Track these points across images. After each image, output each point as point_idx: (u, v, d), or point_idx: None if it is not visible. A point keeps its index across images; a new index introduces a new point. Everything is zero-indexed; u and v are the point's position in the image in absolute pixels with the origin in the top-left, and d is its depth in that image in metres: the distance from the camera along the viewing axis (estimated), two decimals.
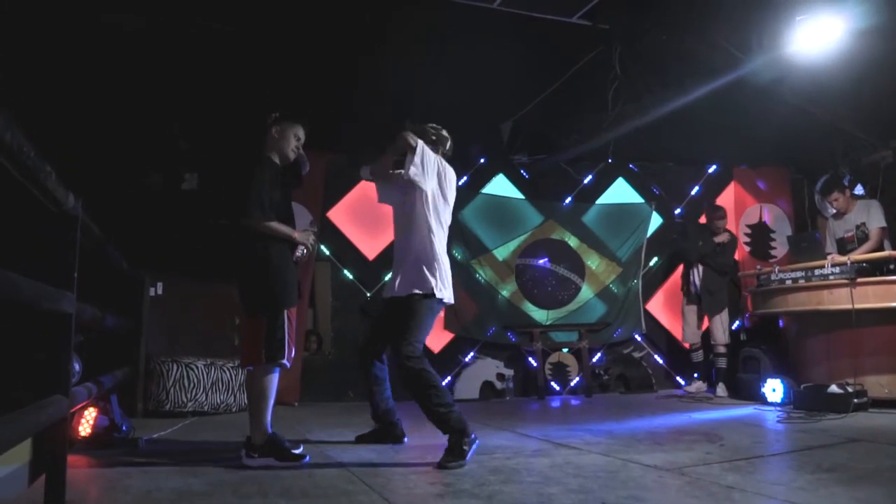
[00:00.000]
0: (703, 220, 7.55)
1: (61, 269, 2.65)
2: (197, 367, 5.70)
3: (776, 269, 6.21)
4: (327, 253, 7.14)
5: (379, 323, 4.34)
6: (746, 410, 5.63)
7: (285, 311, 3.68)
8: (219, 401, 5.80)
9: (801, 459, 3.53)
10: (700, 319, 7.22)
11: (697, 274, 7.17)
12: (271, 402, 3.67)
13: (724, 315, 7.04)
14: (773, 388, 5.82)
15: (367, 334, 4.46)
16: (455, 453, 3.48)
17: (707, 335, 7.20)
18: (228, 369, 5.88)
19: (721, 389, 6.87)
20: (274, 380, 3.67)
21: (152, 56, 6.02)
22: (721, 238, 7.17)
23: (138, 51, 5.95)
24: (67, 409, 2.62)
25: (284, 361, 3.65)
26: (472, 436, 3.59)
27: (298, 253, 3.82)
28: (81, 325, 3.36)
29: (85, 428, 3.94)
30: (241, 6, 5.83)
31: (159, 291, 5.93)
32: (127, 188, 6.30)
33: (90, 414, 3.96)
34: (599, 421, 5.19)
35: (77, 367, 3.69)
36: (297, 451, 3.62)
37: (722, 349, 6.96)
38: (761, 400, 5.91)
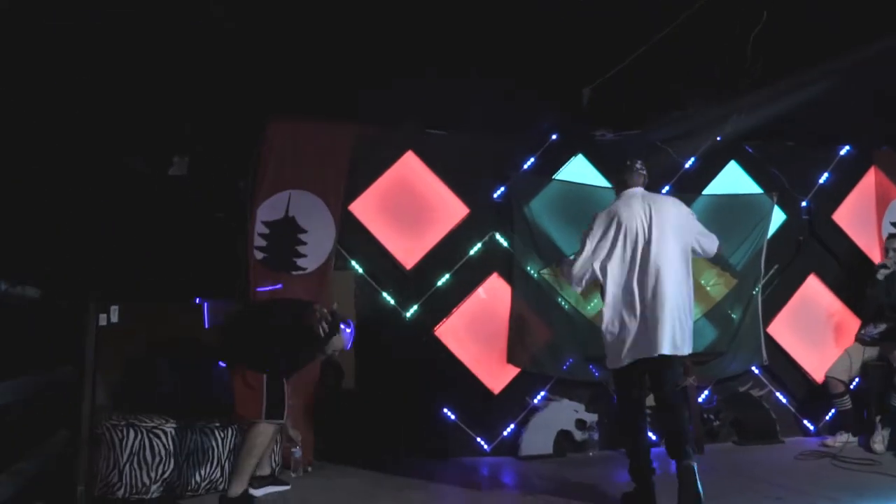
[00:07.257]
0: None
1: None
2: (165, 433, 3.95)
3: None
4: (350, 260, 5.42)
5: None
6: None
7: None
8: (200, 478, 4.06)
9: None
10: (862, 363, 5.67)
11: (874, 326, 5.70)
12: (260, 457, 3.84)
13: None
14: None
15: None
16: None
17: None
18: (215, 430, 4.13)
19: (880, 443, 5.33)
20: (272, 437, 3.85)
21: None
22: None
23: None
24: None
25: (284, 421, 3.87)
26: None
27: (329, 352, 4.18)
28: None
29: None
30: None
31: (113, 319, 4.22)
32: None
33: None
34: None
35: None
36: None
37: None
38: None
